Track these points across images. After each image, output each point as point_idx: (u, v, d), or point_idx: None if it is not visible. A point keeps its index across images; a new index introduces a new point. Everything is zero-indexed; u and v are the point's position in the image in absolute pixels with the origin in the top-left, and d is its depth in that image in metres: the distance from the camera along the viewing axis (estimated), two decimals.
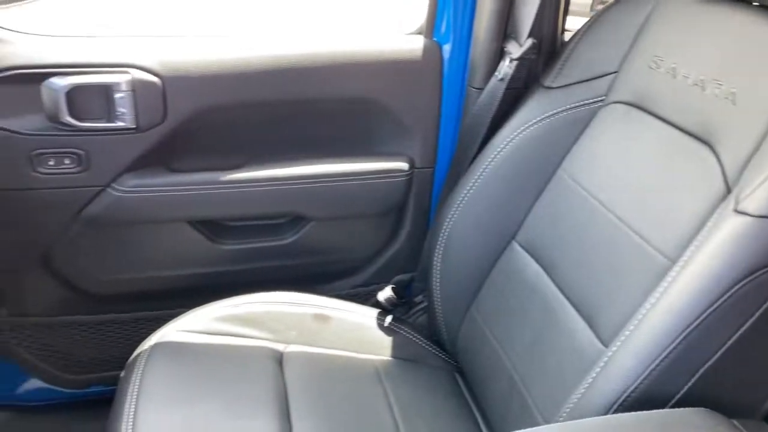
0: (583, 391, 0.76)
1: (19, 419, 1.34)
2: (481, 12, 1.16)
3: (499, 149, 1.08)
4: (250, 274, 1.29)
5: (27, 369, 1.31)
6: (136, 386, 0.96)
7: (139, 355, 1.04)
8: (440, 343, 1.19)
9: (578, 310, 0.90)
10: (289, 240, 1.30)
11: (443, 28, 1.22)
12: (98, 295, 1.25)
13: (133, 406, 0.92)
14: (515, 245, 1.07)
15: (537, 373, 0.93)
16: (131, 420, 0.90)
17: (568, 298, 0.92)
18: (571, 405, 0.76)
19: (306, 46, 1.18)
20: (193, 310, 1.14)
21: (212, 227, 1.27)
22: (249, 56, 1.14)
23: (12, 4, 1.21)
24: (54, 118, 1.07)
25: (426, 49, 1.22)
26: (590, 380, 0.76)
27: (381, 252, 1.38)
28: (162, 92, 1.10)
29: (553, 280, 0.96)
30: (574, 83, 1.06)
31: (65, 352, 1.30)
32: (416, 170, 1.29)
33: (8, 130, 1.08)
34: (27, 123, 1.08)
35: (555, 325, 0.93)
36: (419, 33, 1.25)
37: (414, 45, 1.22)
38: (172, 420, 0.92)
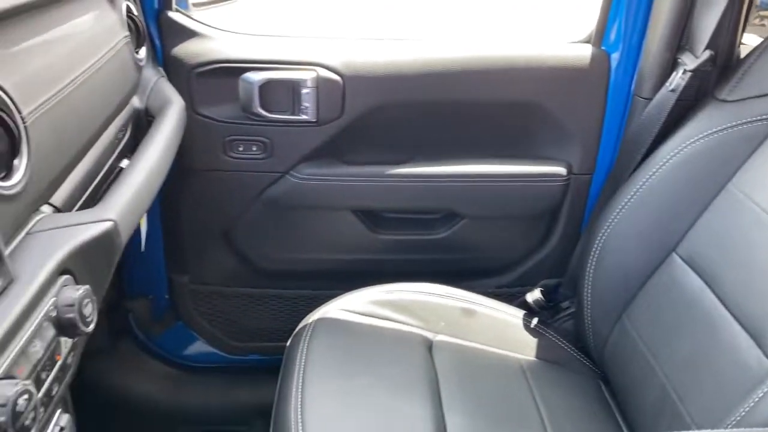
0: (749, 406, 0.75)
1: (186, 378, 1.49)
2: (656, 22, 1.16)
3: (665, 160, 1.07)
4: (402, 264, 1.36)
5: (198, 332, 1.46)
6: (303, 354, 1.06)
7: (304, 327, 1.14)
8: (585, 349, 1.20)
9: (744, 327, 0.88)
10: (442, 235, 1.36)
11: (613, 37, 1.23)
12: (267, 270, 1.38)
13: (301, 372, 1.02)
14: (675, 257, 1.06)
15: (693, 386, 0.92)
16: (300, 384, 0.99)
17: (732, 314, 0.91)
18: (737, 418, 0.76)
19: (475, 50, 1.23)
20: (350, 292, 1.22)
21: (372, 217, 1.35)
22: (422, 59, 1.22)
23: (213, 5, 1.36)
24: (247, 109, 1.20)
25: (594, 58, 1.23)
26: (756, 398, 0.75)
27: (530, 255, 1.40)
28: (342, 90, 1.20)
29: (716, 295, 0.95)
30: (752, 98, 1.03)
31: (233, 320, 1.44)
32: (573, 176, 1.31)
33: (209, 117, 1.22)
34: (223, 112, 1.22)
35: (716, 340, 0.92)
36: (587, 41, 1.26)
37: (581, 53, 1.24)
38: (335, 388, 1.01)
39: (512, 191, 1.30)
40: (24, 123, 0.63)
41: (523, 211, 1.34)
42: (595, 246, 1.14)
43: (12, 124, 0.61)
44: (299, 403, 0.96)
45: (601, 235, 1.13)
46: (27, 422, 0.50)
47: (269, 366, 1.22)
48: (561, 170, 1.29)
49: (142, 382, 1.45)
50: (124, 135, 1.00)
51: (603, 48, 1.24)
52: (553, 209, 1.34)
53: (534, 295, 1.27)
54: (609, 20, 1.22)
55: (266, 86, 1.18)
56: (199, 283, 1.40)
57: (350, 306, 1.18)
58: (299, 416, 0.94)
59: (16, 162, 0.62)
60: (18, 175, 0.61)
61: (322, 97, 1.20)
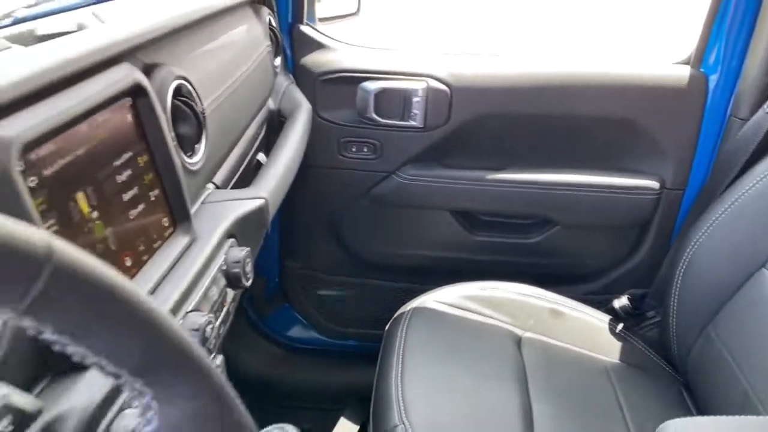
0: None
1: (288, 357, 1.63)
2: (757, 46, 1.20)
3: (759, 178, 1.11)
4: (495, 264, 1.45)
5: (303, 315, 1.60)
6: (402, 339, 1.16)
7: (401, 315, 1.25)
8: (668, 357, 1.25)
9: None
10: (535, 240, 1.44)
11: (712, 59, 1.28)
12: (369, 262, 1.50)
13: (400, 355, 1.12)
14: (765, 272, 1.10)
15: None
16: (400, 365, 1.10)
17: None
18: None
19: (574, 66, 1.32)
20: (444, 287, 1.32)
21: (469, 218, 1.45)
22: (525, 73, 1.31)
23: (337, 20, 1.51)
24: (362, 114, 1.33)
25: (692, 79, 1.29)
26: None
27: (619, 264, 1.46)
28: (449, 99, 1.31)
29: None
30: None
31: (335, 306, 1.58)
32: (666, 190, 1.36)
33: (328, 120, 1.36)
34: (341, 115, 1.36)
35: None
36: (686, 62, 1.32)
37: (680, 74, 1.30)
38: (431, 373, 1.11)
39: (605, 202, 1.37)
40: (203, 113, 0.78)
41: (615, 222, 1.40)
42: (684, 258, 1.19)
43: (197, 113, 0.75)
44: (399, 381, 1.06)
45: (690, 247, 1.18)
46: (210, 347, 0.63)
47: (365, 351, 1.33)
48: (654, 184, 1.35)
49: (250, 357, 1.60)
50: (261, 131, 1.15)
51: (702, 70, 1.30)
52: (644, 221, 1.39)
53: (621, 302, 1.33)
54: (709, 43, 1.27)
55: (381, 94, 1.31)
56: (307, 269, 1.54)
57: (445, 299, 1.28)
58: (400, 393, 1.05)
59: (197, 145, 0.77)
60: (199, 155, 0.76)
61: (430, 106, 1.31)
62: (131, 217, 0.61)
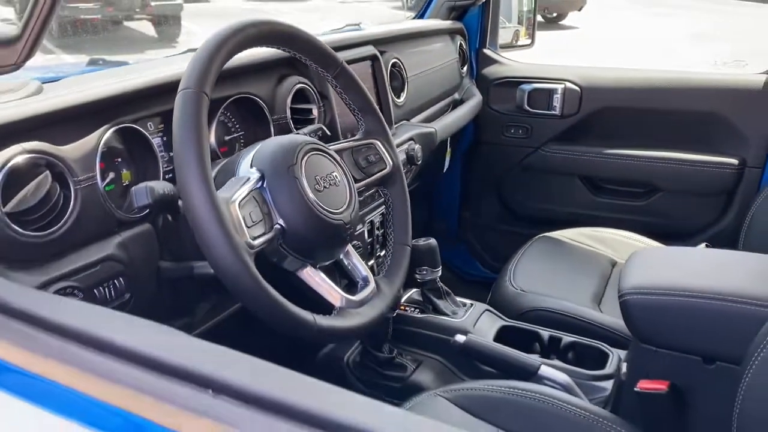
0: None
1: (459, 285, 2.27)
2: None
3: None
4: (609, 220, 1.97)
5: (472, 253, 2.25)
6: (522, 255, 1.76)
7: (530, 241, 1.84)
8: None
9: None
10: (642, 203, 1.94)
11: None
12: (519, 214, 2.12)
13: (516, 262, 1.72)
14: None
15: None
16: (514, 264, 1.69)
17: None
18: None
19: (675, 73, 1.84)
20: (566, 229, 1.87)
21: (593, 183, 2.01)
22: (636, 77, 1.87)
23: (514, 49, 2.19)
24: (519, 106, 1.99)
25: (765, 85, 1.73)
26: None
27: (707, 227, 1.89)
28: (579, 96, 1.91)
29: None
30: None
31: (493, 247, 2.21)
32: (747, 168, 1.79)
33: (495, 110, 2.04)
34: (505, 107, 2.03)
35: None
36: (765, 73, 1.77)
37: (758, 80, 1.75)
38: (537, 268, 1.69)
39: (695, 174, 1.84)
40: (407, 78, 1.52)
41: (702, 189, 1.85)
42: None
43: (403, 77, 1.50)
44: (512, 272, 1.63)
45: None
46: None
47: None
48: (733, 161, 1.79)
49: None
50: (447, 109, 1.87)
51: None
52: (727, 191, 1.83)
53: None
54: None
55: (532, 92, 1.96)
56: (477, 218, 2.21)
57: (564, 234, 1.84)
58: (511, 275, 1.62)
59: (402, 93, 1.51)
60: (402, 99, 1.50)
61: (566, 100, 1.93)
62: None
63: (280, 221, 0.83)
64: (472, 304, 1.45)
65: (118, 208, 0.87)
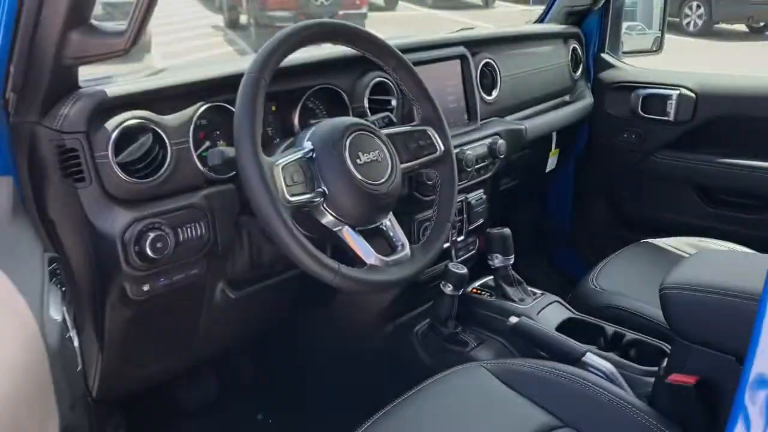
0: None
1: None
2: None
3: None
4: (720, 233, 1.89)
5: (580, 256, 2.26)
6: (617, 256, 1.77)
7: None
8: None
9: None
10: (756, 216, 1.85)
11: None
12: (629, 220, 2.11)
13: (606, 263, 1.73)
14: None
15: None
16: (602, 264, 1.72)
17: None
18: None
19: None
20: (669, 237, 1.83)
21: (705, 192, 1.95)
22: (750, 86, 1.80)
23: (640, 55, 2.18)
24: (633, 111, 1.98)
25: None
26: None
27: None
28: (694, 102, 1.87)
29: None
30: None
31: (600, 249, 2.20)
32: None
33: (611, 115, 2.05)
34: (619, 111, 2.03)
35: None
36: None
37: None
38: (625, 270, 1.70)
39: None
40: (500, 77, 1.62)
41: None
42: None
43: (494, 76, 1.61)
44: (598, 271, 1.65)
45: None
46: None
47: None
48: None
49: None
50: (552, 110, 1.92)
51: None
52: None
53: None
54: None
55: (647, 98, 1.95)
56: (587, 221, 2.22)
57: (666, 242, 1.81)
58: (596, 273, 1.64)
59: (493, 90, 1.62)
60: (492, 96, 1.61)
61: (681, 107, 1.89)
62: None
63: (323, 186, 1.01)
64: (542, 294, 1.52)
65: (211, 171, 1.09)
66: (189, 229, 1.04)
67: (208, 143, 1.14)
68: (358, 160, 1.04)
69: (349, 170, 1.02)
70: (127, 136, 1.00)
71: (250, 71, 0.97)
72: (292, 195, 0.97)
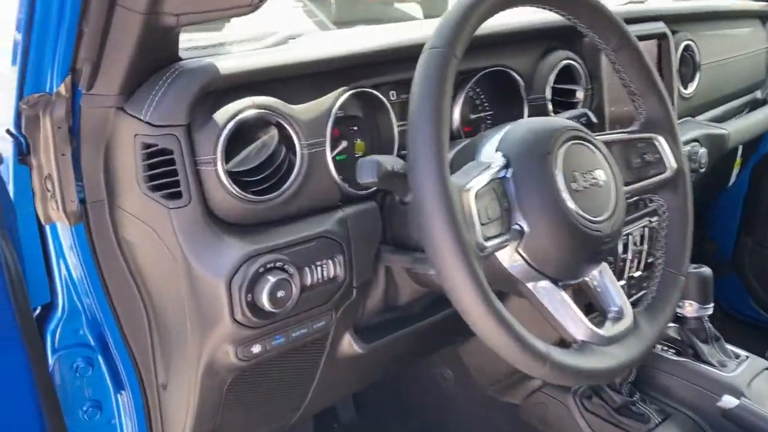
0: None
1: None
2: None
3: None
4: None
5: (745, 286, 1.85)
6: None
7: None
8: None
9: None
10: None
11: None
12: None
13: None
14: None
15: None
16: None
17: None
18: None
19: None
20: None
21: None
22: None
23: None
24: None
25: None
26: None
27: None
28: None
29: None
30: None
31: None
32: None
33: None
34: None
35: None
36: None
37: None
38: None
39: None
40: (699, 64, 1.24)
41: None
42: None
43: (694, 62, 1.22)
44: None
45: None
46: None
47: None
48: None
49: None
50: (743, 110, 1.51)
51: None
52: None
53: None
54: None
55: None
56: (759, 245, 1.80)
57: None
58: None
59: (689, 83, 1.23)
60: (690, 90, 1.22)
61: None
62: None
63: (521, 222, 0.67)
64: (747, 357, 1.14)
65: (345, 181, 0.78)
66: (320, 269, 0.73)
67: (344, 144, 0.82)
68: (574, 184, 0.69)
69: (561, 199, 0.68)
70: (243, 133, 0.69)
71: (434, 46, 0.63)
72: (487, 238, 0.64)
